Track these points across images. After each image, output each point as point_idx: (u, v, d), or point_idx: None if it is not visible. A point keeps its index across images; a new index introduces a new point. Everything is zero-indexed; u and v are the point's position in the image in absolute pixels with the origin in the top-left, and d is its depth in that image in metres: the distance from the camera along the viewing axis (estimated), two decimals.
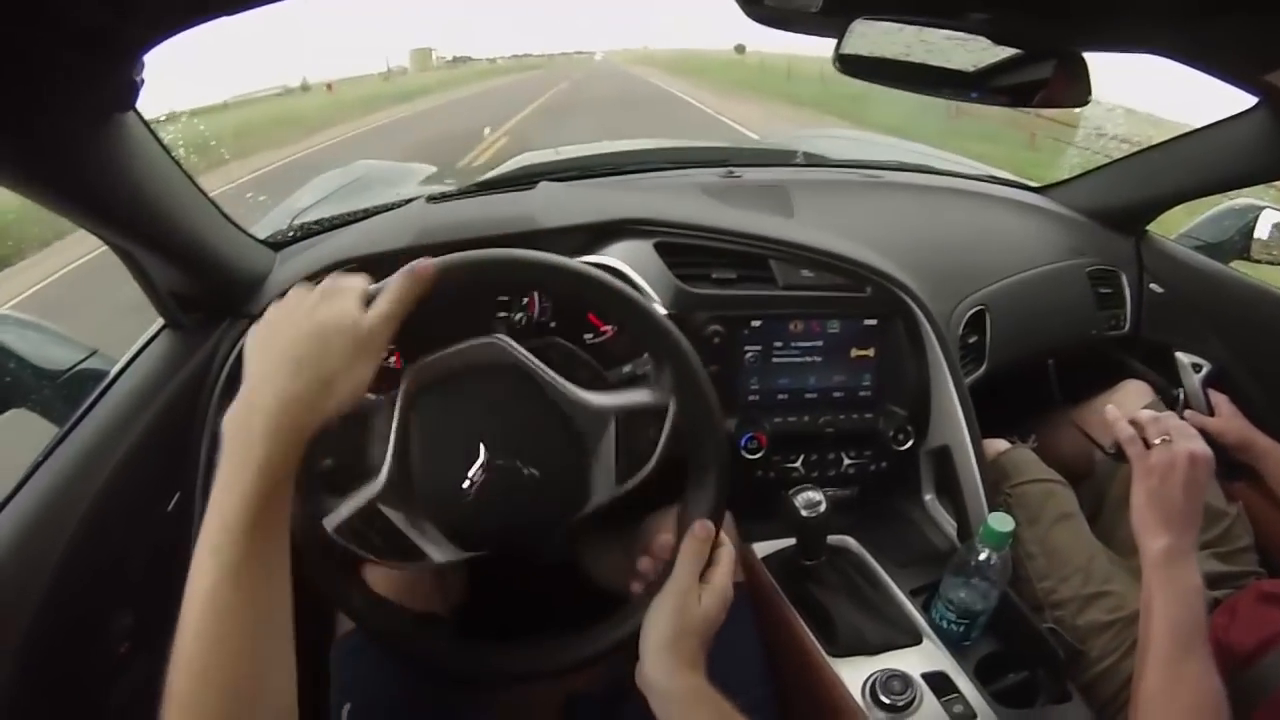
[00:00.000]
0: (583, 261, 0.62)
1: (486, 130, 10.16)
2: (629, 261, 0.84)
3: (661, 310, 0.63)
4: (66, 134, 0.57)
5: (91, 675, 0.70)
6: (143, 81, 0.60)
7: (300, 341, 0.48)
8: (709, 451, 0.60)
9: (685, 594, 0.57)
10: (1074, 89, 0.63)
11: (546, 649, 0.62)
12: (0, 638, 0.59)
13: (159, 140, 0.71)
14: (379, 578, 0.67)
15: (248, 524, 0.43)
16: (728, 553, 0.61)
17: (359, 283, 0.52)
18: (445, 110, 15.89)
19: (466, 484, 0.56)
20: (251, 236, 0.91)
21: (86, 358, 0.98)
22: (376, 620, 0.62)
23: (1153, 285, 1.27)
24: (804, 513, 0.77)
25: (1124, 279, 1.25)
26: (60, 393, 0.95)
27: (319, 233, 1.00)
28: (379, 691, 0.72)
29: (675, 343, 0.58)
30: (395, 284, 0.51)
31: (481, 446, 0.56)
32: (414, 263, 0.52)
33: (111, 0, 0.49)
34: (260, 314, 0.83)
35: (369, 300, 0.51)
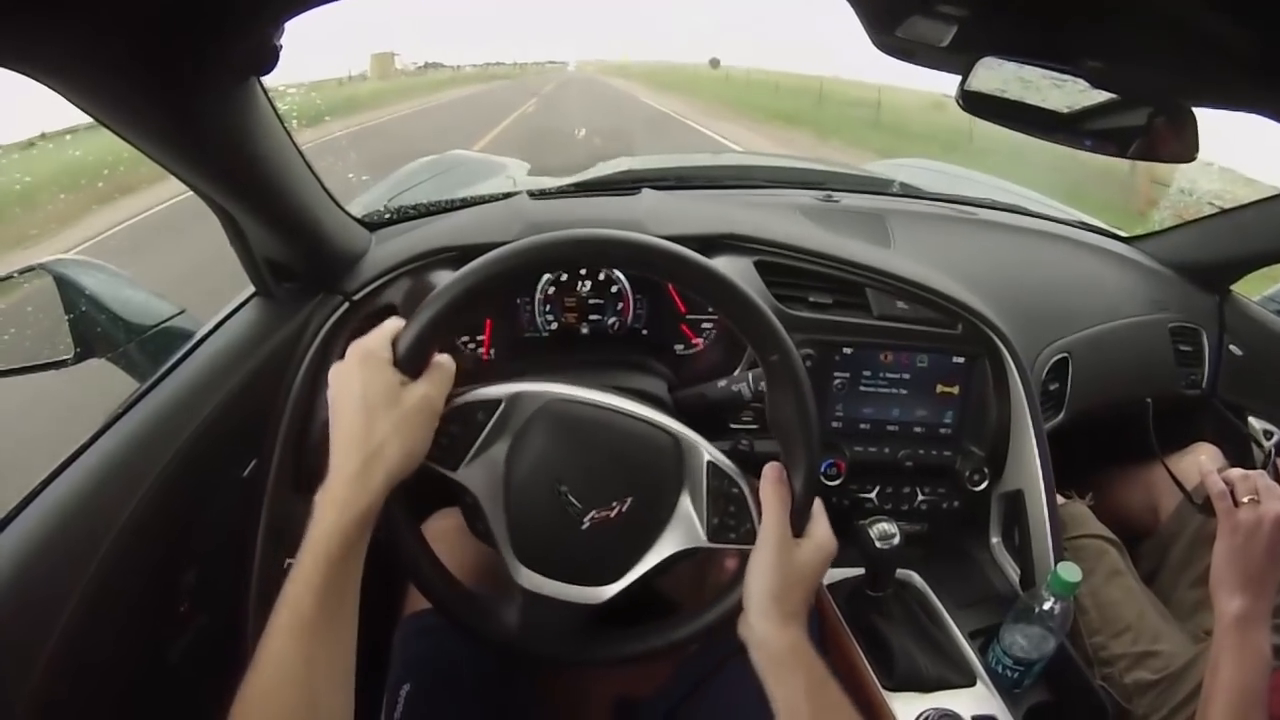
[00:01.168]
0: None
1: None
2: (732, 275, 0.83)
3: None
4: (208, 90, 0.57)
5: (151, 627, 0.71)
6: (281, 48, 0.60)
7: (350, 422, 0.54)
8: (803, 433, 0.61)
9: (780, 545, 0.59)
10: (1181, 144, 0.62)
11: (611, 640, 0.64)
12: (70, 579, 0.59)
13: (276, 111, 0.71)
14: (454, 562, 0.68)
15: (318, 585, 0.50)
16: (819, 506, 0.63)
17: (384, 347, 0.56)
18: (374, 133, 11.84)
19: (592, 520, 0.59)
20: (349, 214, 0.92)
21: (174, 315, 1.00)
22: (456, 605, 0.63)
23: (1232, 346, 1.25)
24: (878, 544, 0.77)
25: (1204, 337, 1.23)
26: (144, 347, 0.97)
27: (415, 217, 1.01)
28: (439, 675, 0.73)
29: (785, 342, 0.60)
30: (435, 369, 0.57)
31: (624, 498, 0.60)
32: (443, 356, 0.59)
33: None
34: (355, 291, 0.84)
35: (403, 361, 0.56)
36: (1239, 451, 1.21)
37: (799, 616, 0.59)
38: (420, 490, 0.58)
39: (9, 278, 0.98)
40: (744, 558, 0.62)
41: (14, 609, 0.55)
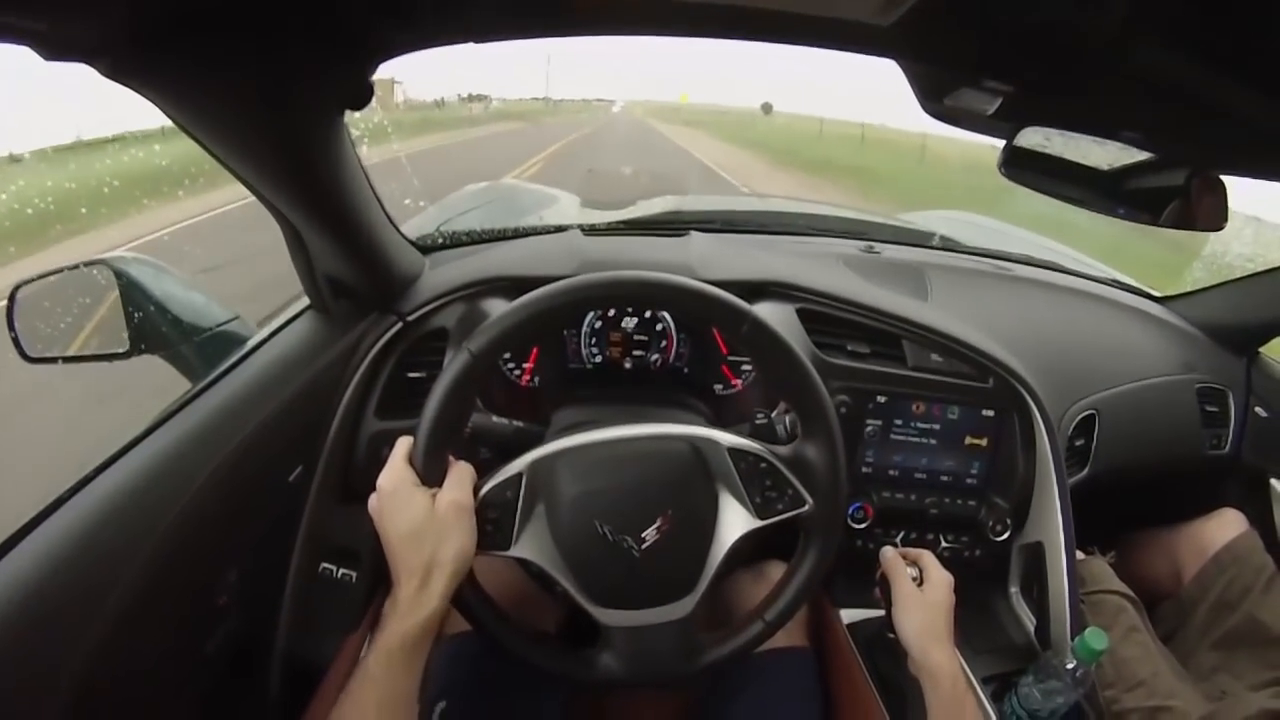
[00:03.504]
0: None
1: None
2: (773, 322, 0.86)
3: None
4: (304, 119, 0.61)
5: (191, 619, 0.74)
6: (373, 85, 0.64)
7: (400, 549, 0.59)
8: (832, 494, 0.67)
9: (909, 596, 0.75)
10: (1212, 213, 0.65)
11: (711, 644, 0.68)
12: (118, 566, 0.62)
13: (350, 138, 0.75)
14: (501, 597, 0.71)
15: (381, 680, 0.57)
16: (928, 556, 0.79)
17: (405, 471, 0.62)
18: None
19: (644, 543, 0.62)
20: (405, 238, 0.95)
21: (229, 320, 1.03)
22: (506, 636, 0.67)
23: (1258, 408, 1.25)
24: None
25: (1231, 399, 1.24)
26: (197, 349, 1.00)
27: (468, 243, 1.04)
28: (475, 694, 0.76)
29: (828, 412, 0.66)
30: (454, 474, 0.62)
31: (664, 514, 0.63)
32: (462, 464, 0.64)
33: (394, 8, 0.52)
34: (409, 313, 0.87)
35: (425, 476, 0.62)
36: (1261, 514, 1.21)
37: (950, 637, 0.73)
38: None
39: (74, 268, 1.01)
40: (803, 523, 0.68)
41: (59, 594, 0.57)
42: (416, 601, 0.58)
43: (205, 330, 1.01)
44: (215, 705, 0.81)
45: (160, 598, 0.66)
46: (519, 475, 0.65)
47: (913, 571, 0.77)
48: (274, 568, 0.85)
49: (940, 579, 0.76)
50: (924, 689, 0.71)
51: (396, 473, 0.61)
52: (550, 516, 0.64)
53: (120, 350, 0.97)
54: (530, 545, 0.64)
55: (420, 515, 0.59)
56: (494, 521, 0.63)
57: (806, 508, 0.66)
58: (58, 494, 0.65)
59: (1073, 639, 0.80)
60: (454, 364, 0.61)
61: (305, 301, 0.91)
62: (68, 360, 0.98)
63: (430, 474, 0.62)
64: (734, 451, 0.66)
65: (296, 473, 0.85)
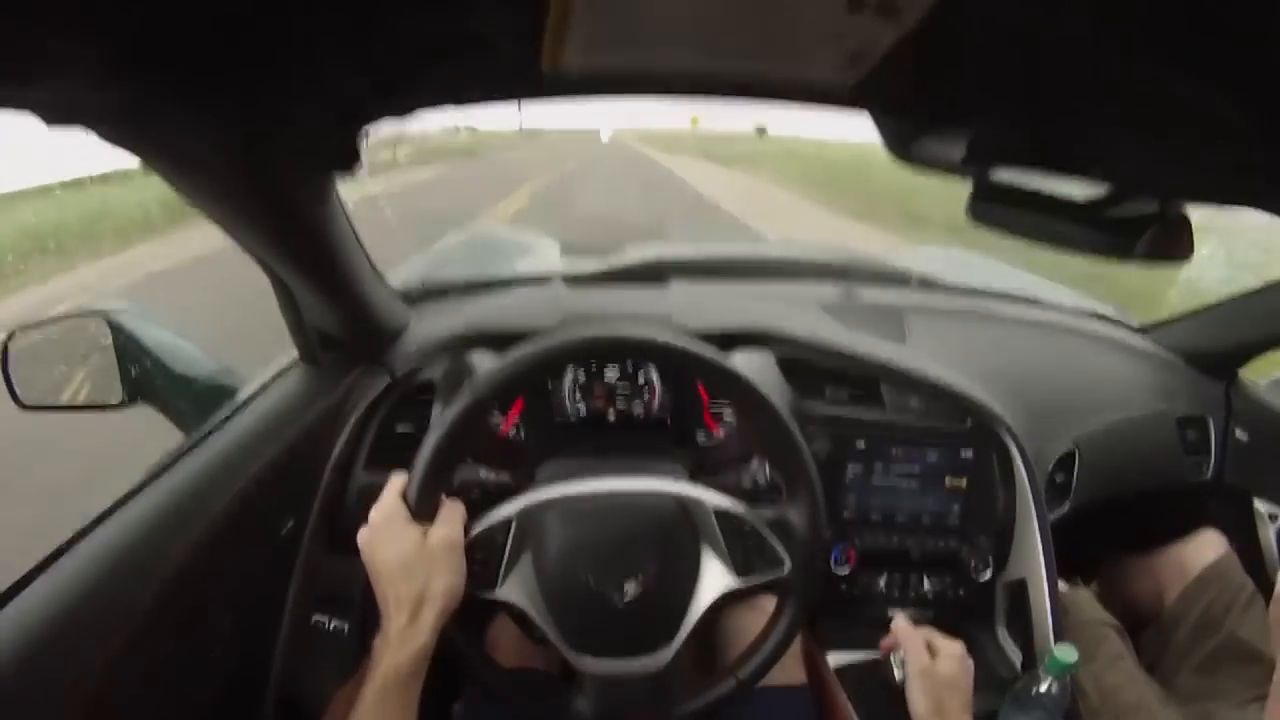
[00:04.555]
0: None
1: None
2: (752, 371, 0.87)
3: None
4: (294, 182, 0.63)
5: (186, 670, 0.74)
6: (363, 149, 0.66)
7: (390, 582, 0.61)
8: (809, 559, 0.69)
9: (923, 671, 0.74)
10: (1178, 246, 0.66)
11: (684, 694, 0.70)
12: (114, 619, 0.62)
13: (339, 196, 0.77)
14: (505, 648, 0.73)
15: (380, 699, 0.58)
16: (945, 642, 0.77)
17: (398, 506, 0.63)
18: None
19: (626, 595, 0.64)
20: (391, 291, 0.96)
21: (218, 372, 1.04)
22: (502, 685, 0.69)
23: (1238, 432, 1.26)
24: (896, 673, 0.81)
25: (1211, 425, 1.25)
26: (190, 401, 1.01)
27: (453, 293, 1.06)
28: None
29: (810, 476, 0.67)
30: (446, 511, 0.64)
31: (648, 568, 0.65)
32: (454, 502, 0.66)
33: (381, 81, 0.55)
34: (396, 369, 0.89)
35: (417, 511, 0.63)
36: (1245, 536, 1.22)
37: (965, 714, 0.72)
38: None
39: (69, 318, 1.03)
40: (780, 585, 0.69)
41: (58, 642, 0.58)
42: (406, 635, 0.59)
43: (196, 381, 1.03)
44: None
45: (155, 650, 0.67)
46: (509, 520, 0.67)
47: (897, 656, 0.78)
48: (268, 617, 0.86)
49: (950, 651, 0.75)
50: None
51: (389, 507, 0.63)
52: (537, 562, 0.65)
53: (114, 401, 0.99)
54: (515, 589, 0.65)
55: (411, 549, 0.61)
56: (481, 563, 0.65)
57: (785, 570, 0.69)
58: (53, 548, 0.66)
59: None
60: (456, 404, 0.63)
61: (294, 354, 0.92)
62: (62, 410, 0.99)
63: (423, 510, 0.63)
64: (719, 512, 0.69)
65: (289, 526, 0.86)
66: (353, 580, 0.87)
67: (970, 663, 0.76)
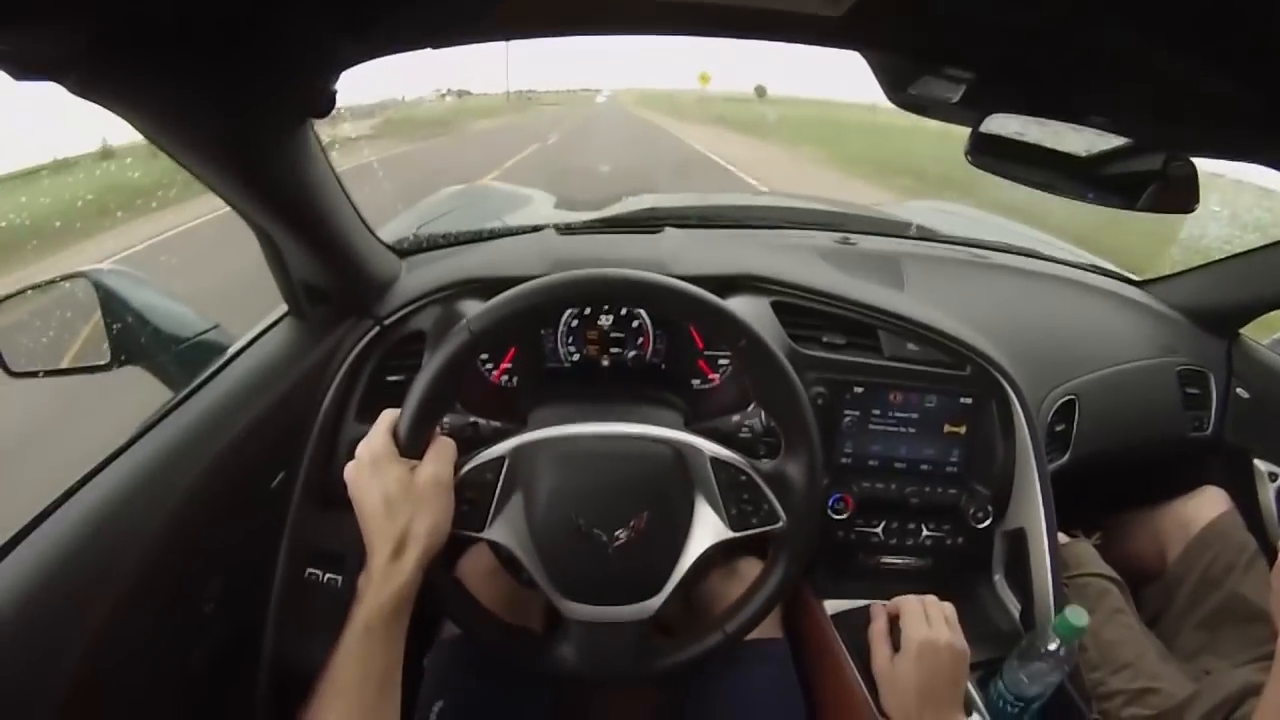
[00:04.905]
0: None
1: None
2: (747, 316, 0.86)
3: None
4: (269, 128, 0.62)
5: (176, 629, 0.74)
6: (337, 93, 0.64)
7: (374, 517, 0.59)
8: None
9: (882, 675, 0.74)
10: (1182, 196, 0.65)
11: (669, 649, 0.69)
12: (101, 579, 0.62)
13: (320, 143, 0.75)
14: (494, 597, 0.73)
15: (360, 655, 0.58)
16: (907, 608, 0.77)
17: (387, 441, 0.62)
18: None
19: (618, 540, 0.63)
20: (381, 241, 0.95)
21: (208, 330, 1.03)
22: (486, 632, 0.69)
23: (1239, 390, 1.26)
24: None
25: (1212, 380, 1.24)
26: (178, 359, 1.00)
27: (444, 245, 1.04)
28: (471, 695, 0.77)
29: (811, 433, 0.66)
30: (435, 448, 0.63)
31: (640, 514, 0.64)
32: (444, 439, 0.64)
33: (347, 21, 0.53)
34: (385, 317, 0.87)
35: (406, 448, 0.62)
36: (1245, 494, 1.22)
37: (952, 708, 0.71)
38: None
39: (53, 282, 1.02)
40: (775, 539, 0.69)
41: (46, 606, 0.58)
42: (390, 572, 0.58)
43: (185, 340, 1.01)
44: (204, 714, 0.81)
45: (145, 608, 0.66)
46: (501, 459, 0.66)
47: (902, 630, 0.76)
48: (259, 574, 0.85)
49: (913, 642, 0.73)
50: None
51: (378, 443, 0.62)
52: (527, 503, 0.65)
53: (102, 362, 0.98)
54: (504, 530, 0.65)
55: (397, 485, 0.59)
56: (471, 502, 0.64)
57: (780, 524, 0.68)
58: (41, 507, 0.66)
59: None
60: (452, 340, 0.62)
61: (284, 309, 0.91)
62: (50, 374, 0.98)
63: (412, 447, 0.62)
64: (716, 461, 0.67)
65: (279, 479, 0.85)
66: (346, 535, 0.85)
67: (968, 652, 0.75)
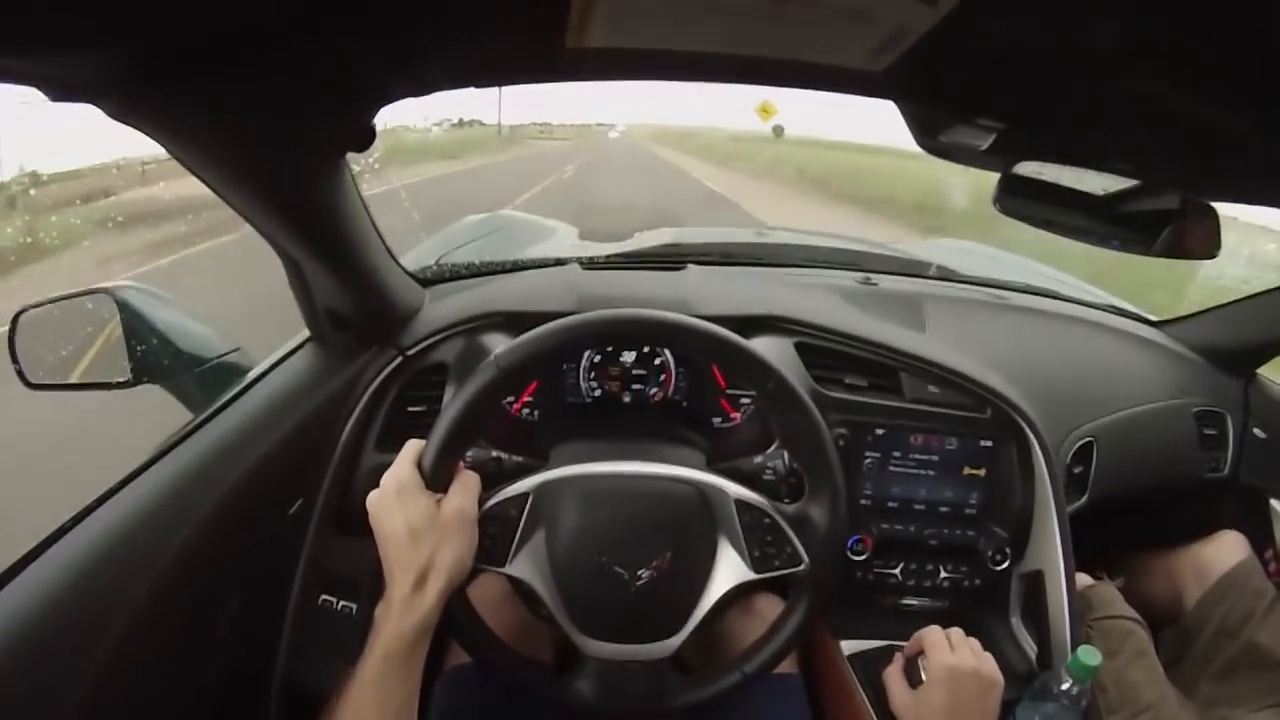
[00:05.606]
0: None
1: None
2: (771, 356, 0.86)
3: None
4: (307, 161, 0.62)
5: (192, 650, 0.74)
6: (376, 129, 0.65)
7: (397, 549, 0.59)
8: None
9: (903, 708, 0.73)
10: (1206, 242, 0.65)
11: (687, 686, 0.69)
12: (119, 598, 0.62)
13: (353, 175, 0.76)
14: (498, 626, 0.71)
15: (378, 683, 0.58)
16: (930, 640, 0.75)
17: (413, 473, 0.61)
18: None
19: (640, 580, 0.63)
20: (406, 271, 0.95)
21: (229, 352, 1.04)
22: (503, 663, 0.69)
23: (1256, 430, 1.25)
24: (923, 675, 0.78)
25: (1229, 421, 1.24)
26: (198, 380, 1.01)
27: (467, 276, 1.05)
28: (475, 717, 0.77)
29: (835, 476, 0.66)
30: (460, 482, 0.62)
31: (663, 554, 0.64)
32: (469, 473, 0.64)
33: (397, 56, 0.53)
34: (409, 347, 0.88)
35: (431, 480, 0.61)
36: (1261, 535, 1.21)
37: None
38: None
39: (76, 296, 1.02)
40: (796, 582, 0.68)
41: (59, 624, 0.58)
42: (411, 604, 0.58)
43: (206, 361, 1.02)
44: None
45: (160, 630, 0.66)
46: (525, 495, 0.66)
47: (922, 660, 0.75)
48: (274, 599, 0.85)
49: (939, 669, 0.72)
50: None
51: (403, 473, 0.61)
52: (550, 540, 0.65)
53: (122, 379, 0.98)
54: (525, 565, 0.65)
55: (422, 517, 0.59)
56: (493, 537, 0.64)
57: (802, 567, 0.67)
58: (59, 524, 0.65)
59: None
60: (480, 375, 0.62)
61: (306, 334, 0.91)
62: (69, 389, 0.98)
63: (437, 479, 0.61)
64: (740, 503, 0.67)
65: (297, 505, 0.85)
66: (362, 562, 0.85)
67: (999, 680, 0.73)
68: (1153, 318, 1.33)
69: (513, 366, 0.62)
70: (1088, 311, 1.27)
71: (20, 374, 0.93)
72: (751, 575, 0.66)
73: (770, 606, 0.85)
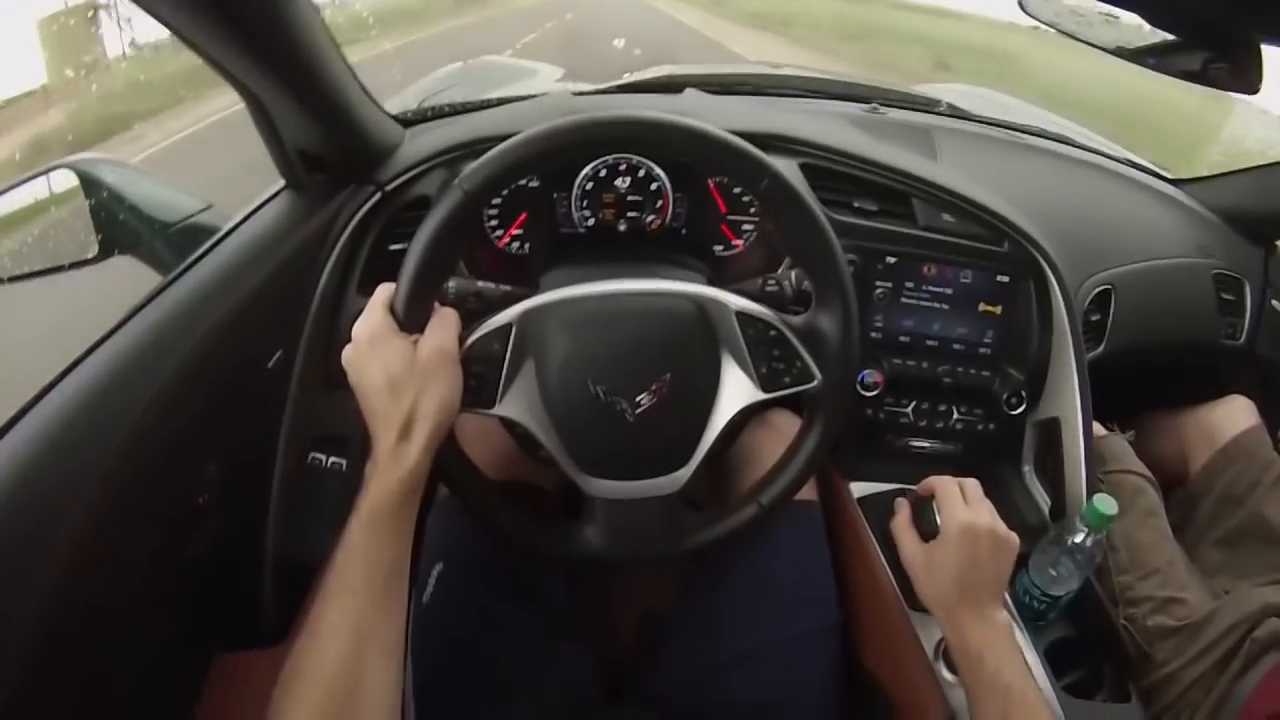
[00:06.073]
0: None
1: None
2: None
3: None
4: None
5: (169, 519, 0.71)
6: None
7: (377, 399, 0.55)
8: (843, 371, 0.64)
9: (914, 562, 0.69)
10: (1246, 76, 0.61)
11: (701, 524, 0.66)
12: (90, 463, 0.59)
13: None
14: (474, 448, 0.67)
15: (366, 549, 0.52)
16: (944, 490, 0.70)
17: (385, 317, 0.56)
18: None
19: (639, 407, 0.59)
20: (382, 110, 0.89)
21: (201, 210, 0.99)
22: (505, 518, 0.65)
23: (1275, 301, 1.22)
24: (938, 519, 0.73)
25: (1247, 288, 1.21)
26: (170, 243, 0.96)
27: (450, 114, 0.99)
28: (472, 557, 0.73)
29: (845, 282, 0.62)
30: (437, 319, 0.57)
31: (662, 377, 0.59)
32: (447, 310, 0.59)
33: None
34: (388, 182, 0.83)
35: (406, 321, 0.57)
36: (1273, 406, 1.19)
37: (969, 604, 0.64)
38: None
39: (32, 178, 0.97)
40: (809, 399, 0.64)
41: (34, 490, 0.55)
42: (396, 456, 0.53)
43: (176, 223, 0.97)
44: (203, 611, 0.78)
45: (134, 499, 0.63)
46: (508, 326, 0.60)
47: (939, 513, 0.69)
48: (257, 461, 0.81)
49: (954, 524, 0.66)
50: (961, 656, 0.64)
51: (375, 319, 0.56)
52: (540, 373, 0.60)
53: (91, 255, 0.94)
54: (516, 404, 0.60)
55: (400, 363, 0.54)
56: (478, 376, 0.59)
57: (814, 383, 0.63)
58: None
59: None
60: (445, 202, 0.56)
61: (280, 183, 0.85)
62: (41, 274, 0.95)
63: (412, 320, 0.57)
64: (742, 316, 0.62)
65: (276, 358, 0.80)
66: (350, 416, 0.81)
67: (1015, 543, 0.68)
68: (1169, 174, 1.29)
69: (477, 187, 0.56)
70: (1104, 161, 1.22)
71: None
72: (760, 395, 0.62)
73: (788, 425, 0.81)
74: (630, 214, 0.88)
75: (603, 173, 0.87)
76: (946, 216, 0.87)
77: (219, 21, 0.58)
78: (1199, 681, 0.81)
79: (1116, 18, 0.65)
